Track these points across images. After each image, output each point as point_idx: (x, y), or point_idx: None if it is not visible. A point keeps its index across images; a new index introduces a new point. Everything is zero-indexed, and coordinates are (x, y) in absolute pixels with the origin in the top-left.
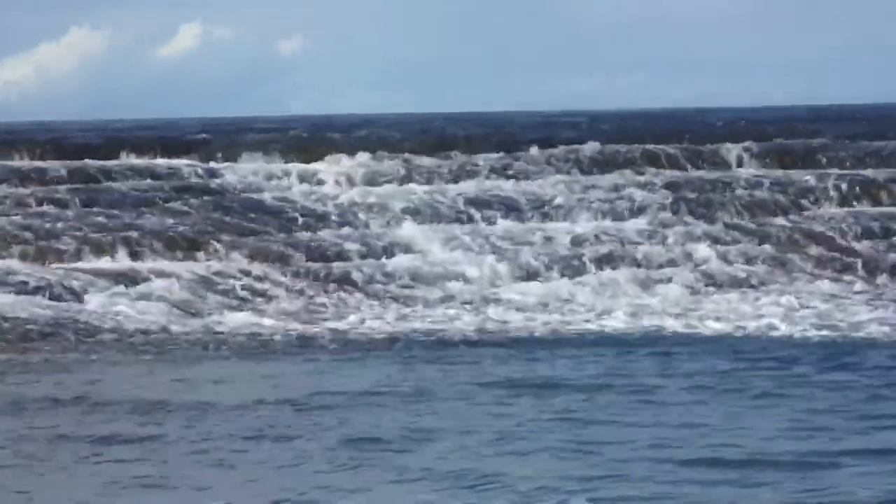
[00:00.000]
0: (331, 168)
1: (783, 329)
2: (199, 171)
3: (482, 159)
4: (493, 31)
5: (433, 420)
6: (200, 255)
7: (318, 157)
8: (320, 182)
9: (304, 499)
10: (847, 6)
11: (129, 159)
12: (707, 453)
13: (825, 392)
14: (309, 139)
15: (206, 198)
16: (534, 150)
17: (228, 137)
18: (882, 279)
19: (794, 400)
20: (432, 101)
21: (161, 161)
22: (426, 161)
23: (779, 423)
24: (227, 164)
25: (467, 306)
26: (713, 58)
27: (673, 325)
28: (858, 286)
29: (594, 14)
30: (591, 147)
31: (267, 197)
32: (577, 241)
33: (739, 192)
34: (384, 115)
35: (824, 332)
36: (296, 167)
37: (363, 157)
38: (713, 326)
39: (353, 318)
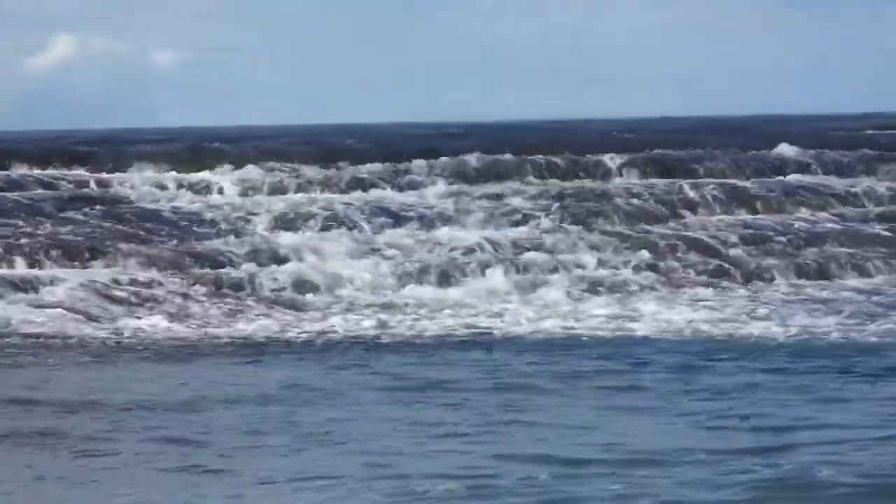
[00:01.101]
0: (221, 178)
1: (658, 331)
2: (92, 181)
3: (369, 169)
4: (373, 44)
5: (272, 423)
6: (97, 262)
7: (208, 168)
8: (211, 192)
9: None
10: (725, 20)
11: (20, 170)
12: (579, 452)
13: (697, 393)
14: (198, 150)
15: (99, 207)
16: (419, 161)
17: (117, 148)
18: (758, 284)
19: (666, 401)
20: (313, 114)
21: (54, 171)
22: (315, 171)
23: (651, 421)
24: (119, 174)
25: (356, 312)
26: (589, 70)
27: (554, 328)
28: (735, 292)
29: (472, 29)
30: (474, 157)
31: (159, 206)
32: (462, 249)
33: (619, 200)
34: (264, 127)
35: (702, 334)
36: (187, 177)
37: (252, 167)
38: (593, 330)
39: (242, 323)
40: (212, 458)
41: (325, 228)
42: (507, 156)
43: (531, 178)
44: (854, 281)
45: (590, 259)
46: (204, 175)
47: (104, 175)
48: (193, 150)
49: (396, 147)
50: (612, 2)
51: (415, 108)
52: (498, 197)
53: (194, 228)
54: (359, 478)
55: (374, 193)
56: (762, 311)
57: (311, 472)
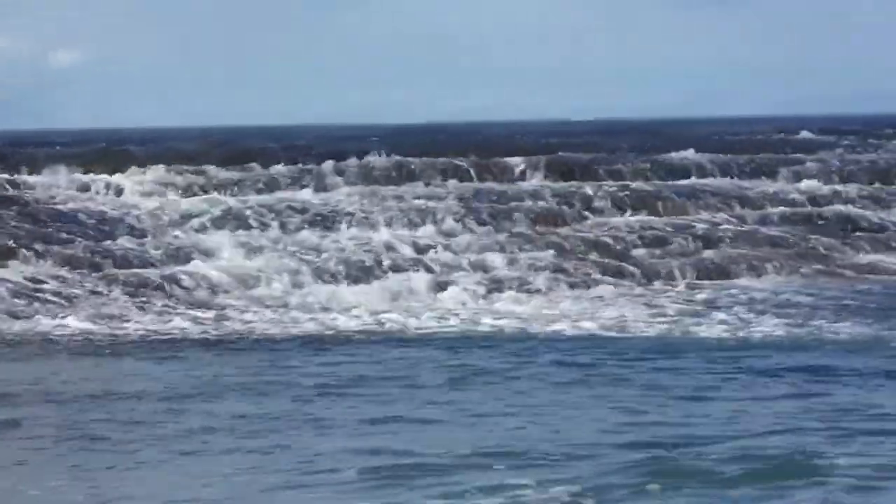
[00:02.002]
0: (133, 179)
1: (563, 328)
2: (5, 182)
3: (279, 171)
4: (278, 45)
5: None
6: (13, 262)
7: (120, 169)
8: (123, 193)
9: None
10: (627, 24)
11: None
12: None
13: (596, 385)
14: (111, 152)
15: (13, 208)
16: (328, 163)
17: (28, 150)
18: (658, 284)
19: (557, 392)
20: (220, 115)
21: None
22: (225, 173)
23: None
24: (34, 176)
25: (267, 310)
26: (491, 72)
27: (462, 325)
28: (636, 291)
29: (377, 30)
30: (383, 159)
31: (73, 207)
32: (372, 249)
33: (525, 202)
34: (173, 129)
35: (601, 332)
36: (99, 178)
37: (164, 169)
38: (498, 328)
39: (155, 321)
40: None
41: (235, 229)
42: (415, 158)
43: (438, 180)
44: (752, 281)
45: (496, 259)
46: (116, 177)
47: (17, 176)
48: (106, 152)
49: (305, 149)
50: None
51: (320, 109)
52: (406, 198)
53: (108, 229)
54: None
55: (284, 194)
56: (663, 309)
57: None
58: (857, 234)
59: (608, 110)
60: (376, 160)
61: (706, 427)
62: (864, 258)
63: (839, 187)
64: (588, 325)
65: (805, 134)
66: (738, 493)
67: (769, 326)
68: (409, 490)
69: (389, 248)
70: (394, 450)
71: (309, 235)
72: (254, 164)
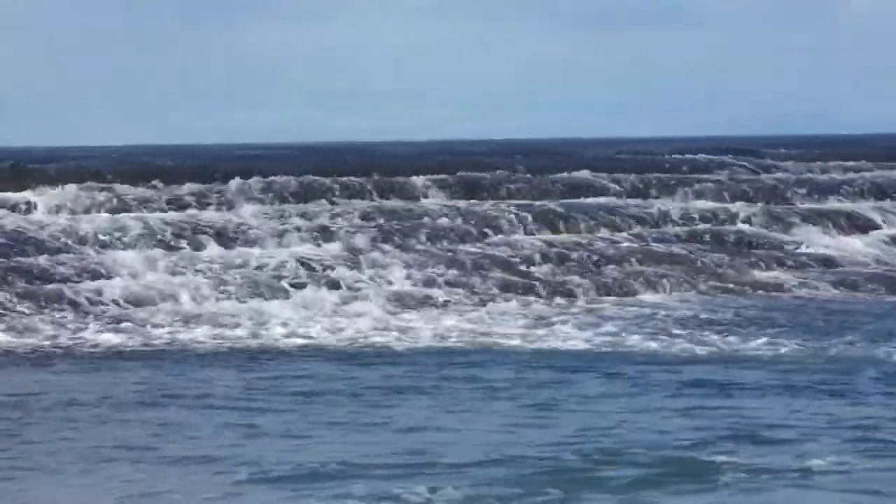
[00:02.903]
0: (42, 197)
1: (465, 342)
2: None
3: (186, 189)
4: (173, 63)
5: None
6: None
7: (29, 187)
8: (32, 211)
9: None
10: (515, 45)
11: None
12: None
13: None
14: (18, 170)
15: None
16: (234, 181)
17: None
18: (559, 300)
19: (461, 401)
20: (98, 135)
21: None
22: (134, 190)
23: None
24: None
25: (178, 324)
26: (385, 91)
27: (366, 339)
28: (538, 307)
29: (270, 49)
30: (288, 178)
31: None
32: (277, 266)
33: (427, 220)
34: (76, 147)
35: (502, 346)
36: (7, 196)
37: (72, 186)
38: (402, 342)
39: (65, 336)
40: None
41: (144, 246)
42: (320, 177)
43: (343, 199)
44: (650, 297)
45: (400, 275)
46: (25, 194)
47: None
48: (13, 170)
49: (211, 167)
50: (407, 18)
51: (216, 129)
52: (311, 216)
53: (18, 246)
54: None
55: (192, 212)
56: (563, 324)
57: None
58: (752, 251)
59: (497, 131)
60: (282, 179)
61: (601, 436)
62: (759, 275)
63: (735, 206)
64: (490, 340)
65: (702, 155)
66: (629, 497)
67: (667, 339)
68: (297, 493)
69: (295, 265)
70: (291, 458)
71: (216, 252)
72: (160, 183)
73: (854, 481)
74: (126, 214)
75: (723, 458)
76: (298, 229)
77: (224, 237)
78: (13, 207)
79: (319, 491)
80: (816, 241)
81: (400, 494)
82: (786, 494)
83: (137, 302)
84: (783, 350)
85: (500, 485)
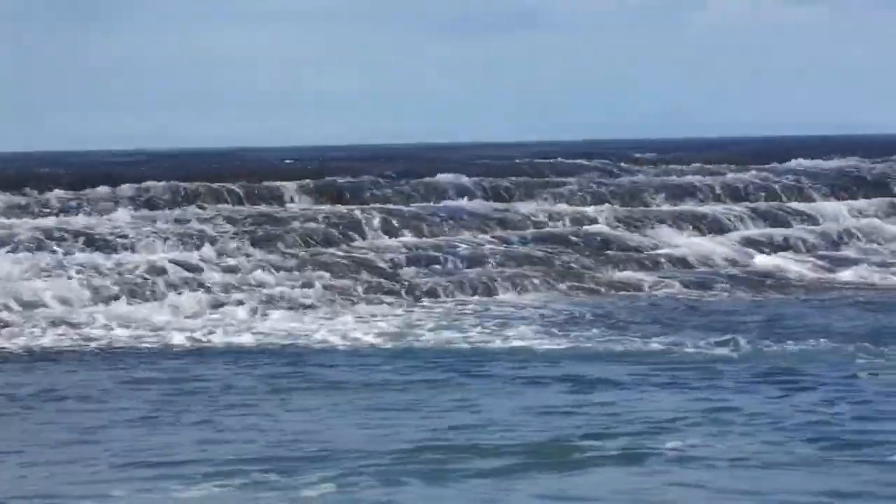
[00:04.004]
0: None
1: (334, 342)
2: None
3: (57, 195)
4: (41, 70)
5: None
6: None
7: None
8: None
9: None
10: (380, 49)
11: None
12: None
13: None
14: None
15: None
16: (104, 187)
17: None
18: (425, 301)
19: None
20: None
21: None
22: (3, 197)
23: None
24: None
25: (51, 328)
26: (251, 97)
27: (236, 340)
28: (402, 308)
29: (136, 56)
30: (158, 184)
31: None
32: (150, 270)
33: (295, 224)
34: None
35: (378, 345)
36: None
37: None
38: (272, 342)
39: None
40: None
41: (16, 251)
42: (189, 182)
43: (212, 204)
44: (513, 297)
45: (269, 278)
46: None
47: None
48: None
49: (81, 174)
50: (268, 25)
51: (82, 135)
52: (181, 221)
53: None
54: None
55: (63, 219)
56: (426, 325)
57: None
58: (611, 252)
59: (362, 137)
60: (152, 184)
61: (464, 429)
62: (617, 275)
63: (593, 208)
64: (358, 339)
65: (561, 158)
66: (494, 484)
67: (529, 337)
68: (163, 480)
69: (167, 269)
70: (159, 450)
71: (88, 257)
72: (30, 189)
73: (710, 463)
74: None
75: (586, 443)
76: (169, 234)
77: (95, 242)
78: None
79: (180, 479)
80: (673, 242)
81: (264, 482)
82: (644, 473)
83: (9, 306)
84: (641, 346)
85: (365, 475)
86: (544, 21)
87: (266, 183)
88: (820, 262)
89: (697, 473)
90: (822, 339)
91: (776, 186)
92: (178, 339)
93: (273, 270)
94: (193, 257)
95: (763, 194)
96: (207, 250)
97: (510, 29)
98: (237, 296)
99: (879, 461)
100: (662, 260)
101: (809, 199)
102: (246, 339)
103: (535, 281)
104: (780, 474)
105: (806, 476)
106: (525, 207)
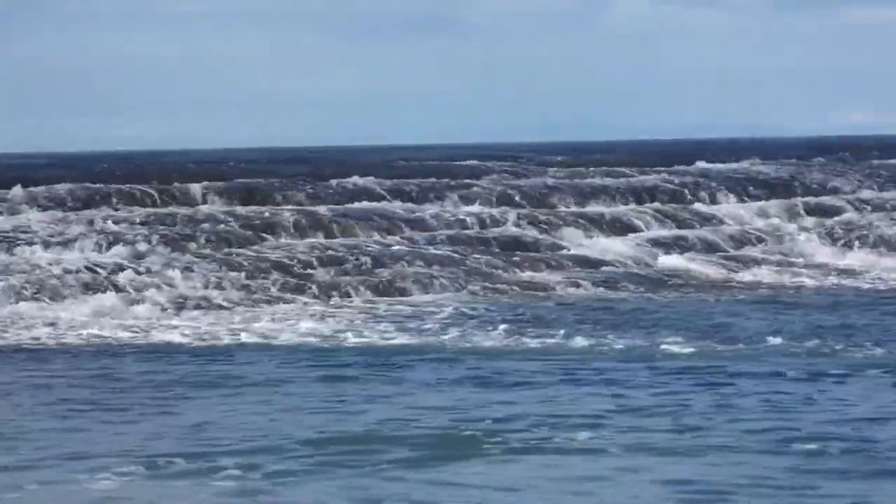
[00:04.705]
0: None
1: (246, 340)
2: None
3: None
4: None
5: None
6: None
7: None
8: None
9: None
10: (302, 51)
11: None
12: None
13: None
14: None
15: None
16: (17, 189)
17: None
18: (336, 300)
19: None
20: None
21: None
22: None
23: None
24: None
25: None
26: (162, 100)
27: (151, 338)
28: (315, 306)
29: (51, 58)
30: (72, 186)
31: None
32: (63, 270)
33: (207, 225)
34: None
35: (290, 342)
36: None
37: None
38: (188, 341)
39: None
40: None
41: None
42: (102, 184)
43: (125, 205)
44: (422, 297)
45: (182, 278)
46: None
47: None
48: None
49: None
50: (188, 28)
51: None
52: (94, 222)
53: None
54: None
55: None
56: (337, 324)
57: None
58: (519, 253)
59: (275, 138)
60: (65, 186)
61: (371, 422)
62: (526, 276)
63: (502, 210)
64: (270, 337)
65: (471, 161)
66: (392, 473)
67: (441, 336)
68: (74, 472)
69: (80, 269)
70: (71, 444)
71: (4, 258)
72: None
73: (608, 455)
74: None
75: (492, 434)
76: (81, 235)
77: (8, 243)
78: None
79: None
80: (580, 243)
81: (173, 472)
82: (548, 462)
83: None
84: (549, 344)
85: (270, 466)
86: (457, 26)
87: (178, 185)
88: (723, 263)
89: (605, 461)
90: (729, 337)
91: (681, 188)
92: (90, 338)
93: (185, 271)
94: (106, 258)
95: (668, 196)
96: (120, 251)
97: (424, 33)
98: (150, 295)
99: (786, 451)
100: (570, 261)
101: (714, 201)
102: (158, 338)
103: (445, 281)
104: (689, 463)
105: (713, 464)
106: (435, 209)
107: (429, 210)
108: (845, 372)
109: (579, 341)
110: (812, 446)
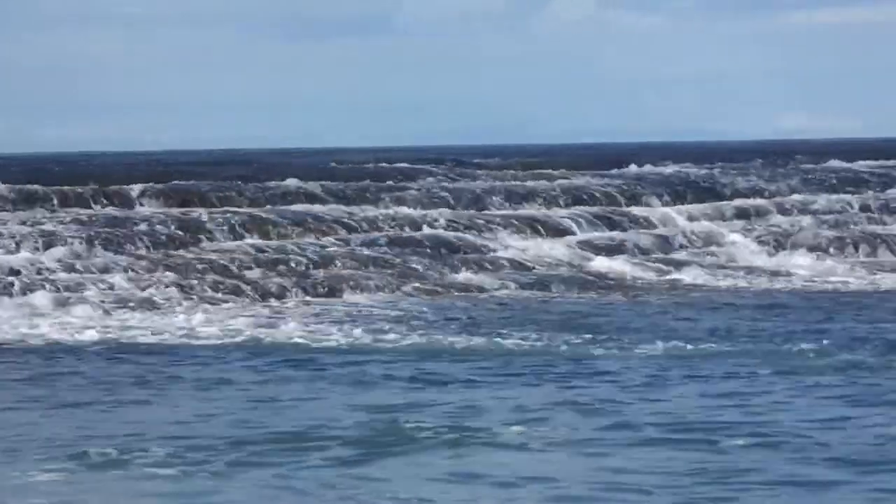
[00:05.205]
0: None
1: (185, 340)
2: None
3: None
4: None
5: None
6: None
7: None
8: None
9: None
10: (230, 53)
11: None
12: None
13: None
14: None
15: None
16: None
17: None
18: (272, 301)
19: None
20: None
21: None
22: None
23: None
24: None
25: None
26: (97, 102)
27: (90, 338)
28: (252, 307)
29: None
30: (5, 186)
31: None
32: (2, 270)
33: (143, 226)
34: None
35: (225, 341)
36: None
37: None
38: (128, 339)
39: None
40: None
41: None
42: (39, 185)
43: (62, 207)
44: (357, 298)
45: (119, 279)
46: None
47: None
48: None
49: None
50: (117, 29)
51: None
52: (31, 223)
53: None
54: None
55: None
56: (275, 324)
57: None
58: (453, 255)
59: (212, 141)
60: (2, 186)
61: (302, 420)
62: (459, 277)
63: (436, 212)
64: (206, 337)
65: (405, 164)
66: (324, 471)
67: (375, 335)
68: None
69: (17, 269)
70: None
71: None
72: None
73: (532, 450)
74: None
75: (419, 431)
76: (20, 235)
77: None
78: None
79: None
80: (513, 245)
81: (107, 465)
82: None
83: None
84: (482, 344)
85: (203, 462)
86: (390, 27)
87: (115, 186)
88: (655, 265)
89: (536, 456)
90: (660, 336)
91: (614, 191)
92: (26, 337)
93: (122, 271)
94: (44, 258)
95: (601, 199)
96: (57, 251)
97: (357, 34)
98: (87, 295)
99: (713, 444)
100: (503, 262)
101: (646, 204)
102: (95, 337)
103: (379, 282)
104: (619, 456)
105: (642, 457)
106: (369, 211)
107: (363, 212)
108: (774, 370)
109: (510, 341)
110: (740, 441)
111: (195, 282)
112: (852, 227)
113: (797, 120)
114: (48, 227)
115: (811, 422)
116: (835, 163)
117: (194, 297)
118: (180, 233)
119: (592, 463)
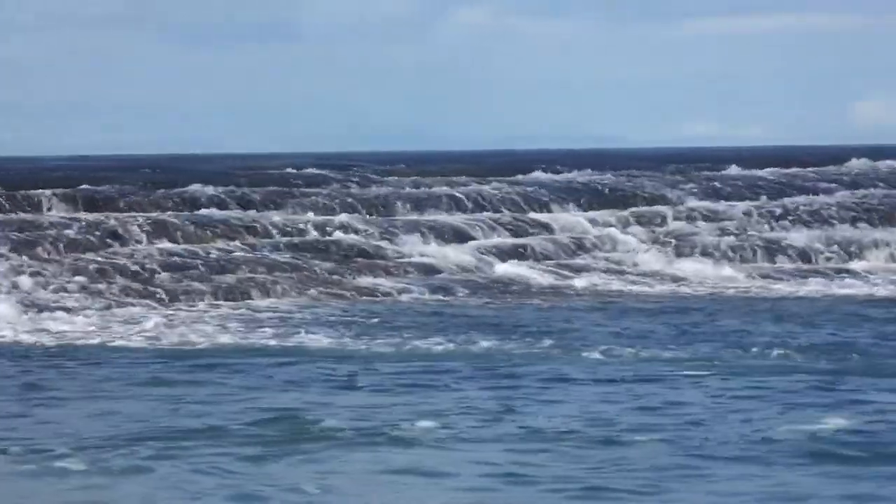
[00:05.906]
0: None
1: (98, 342)
2: None
3: None
4: None
5: None
6: None
7: None
8: None
9: None
10: (140, 58)
11: None
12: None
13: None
14: None
15: None
16: None
17: None
18: (181, 304)
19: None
20: None
21: None
22: None
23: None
24: None
25: None
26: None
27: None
28: (161, 310)
29: None
30: None
31: None
32: None
33: (52, 231)
34: None
35: (139, 345)
36: None
37: None
38: (40, 342)
39: None
40: None
41: None
42: None
43: None
44: (263, 301)
45: (28, 282)
46: None
47: None
48: None
49: None
50: (31, 30)
51: None
52: None
53: None
54: None
55: None
56: (183, 327)
57: None
58: (358, 260)
59: (119, 146)
60: None
61: (211, 418)
62: (364, 281)
63: (341, 217)
64: (114, 340)
65: (310, 169)
66: (228, 466)
67: (281, 338)
68: None
69: None
70: None
71: None
72: None
73: (451, 443)
74: None
75: (324, 430)
76: None
77: None
78: None
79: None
80: (418, 250)
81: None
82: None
83: None
84: (386, 347)
85: (115, 457)
86: (292, 33)
87: (24, 191)
88: (557, 270)
89: (437, 452)
90: (563, 340)
91: (517, 198)
92: None
93: (32, 275)
94: None
95: (505, 205)
96: None
97: (259, 40)
98: (1, 298)
99: (617, 441)
100: (409, 268)
101: (549, 210)
102: (3, 340)
103: (286, 286)
104: (513, 453)
105: (549, 456)
106: (275, 216)
107: (269, 217)
108: (687, 373)
109: (414, 344)
110: (638, 437)
111: (104, 286)
112: (751, 233)
113: (701, 127)
114: None
115: (705, 419)
116: (734, 170)
117: (103, 300)
118: (90, 237)
119: (492, 458)
